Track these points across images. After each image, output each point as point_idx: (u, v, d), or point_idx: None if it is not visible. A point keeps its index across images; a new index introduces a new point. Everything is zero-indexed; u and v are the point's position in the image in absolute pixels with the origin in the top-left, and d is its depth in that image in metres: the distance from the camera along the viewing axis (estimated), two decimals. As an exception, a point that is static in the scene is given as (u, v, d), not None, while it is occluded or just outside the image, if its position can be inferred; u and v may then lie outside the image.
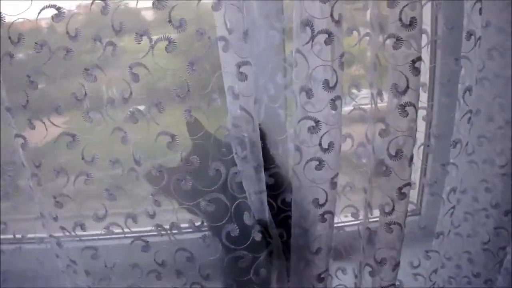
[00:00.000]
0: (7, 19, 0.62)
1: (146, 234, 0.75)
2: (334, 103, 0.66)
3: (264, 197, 0.73)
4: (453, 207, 0.80)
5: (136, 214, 0.72)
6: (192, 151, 0.68)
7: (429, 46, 0.75)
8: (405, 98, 0.65)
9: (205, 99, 0.66)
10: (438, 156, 0.83)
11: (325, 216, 0.71)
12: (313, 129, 0.67)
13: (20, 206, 0.78)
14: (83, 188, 0.71)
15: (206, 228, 0.74)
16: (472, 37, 0.71)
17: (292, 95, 0.69)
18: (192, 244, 0.73)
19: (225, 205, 0.70)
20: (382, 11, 0.66)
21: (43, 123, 0.67)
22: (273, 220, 0.76)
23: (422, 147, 0.81)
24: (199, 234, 0.73)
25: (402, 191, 0.69)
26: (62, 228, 0.74)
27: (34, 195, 0.72)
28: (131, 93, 0.64)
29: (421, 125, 0.78)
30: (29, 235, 0.80)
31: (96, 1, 0.61)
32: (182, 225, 0.73)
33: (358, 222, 0.80)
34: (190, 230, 0.74)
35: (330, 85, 0.65)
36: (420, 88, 0.67)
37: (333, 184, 0.70)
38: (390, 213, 0.71)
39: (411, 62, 0.63)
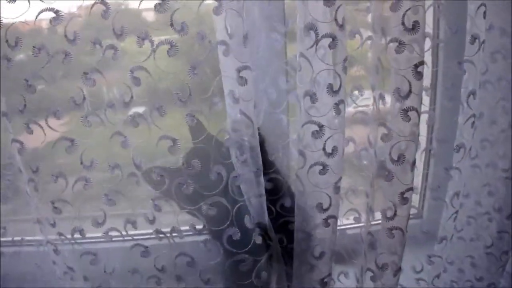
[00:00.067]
0: (5, 22, 0.61)
1: (146, 237, 0.75)
2: (338, 107, 0.66)
3: (264, 200, 0.73)
4: (456, 212, 0.80)
5: (135, 220, 0.72)
6: (194, 154, 0.68)
7: (432, 49, 0.74)
8: (408, 103, 0.65)
9: (207, 102, 0.66)
10: (441, 160, 0.82)
11: (329, 220, 0.71)
12: (317, 134, 0.67)
13: (19, 209, 0.77)
14: (82, 193, 0.70)
15: (207, 232, 0.73)
16: (477, 40, 0.70)
17: (295, 100, 0.69)
18: (193, 248, 0.73)
19: (227, 209, 0.69)
20: (384, 13, 0.65)
21: (41, 127, 0.66)
22: (272, 225, 0.76)
23: (424, 151, 0.80)
24: (200, 238, 0.73)
25: (404, 196, 0.69)
26: (60, 234, 0.73)
27: (31, 201, 0.72)
28: (132, 97, 0.64)
29: (423, 129, 0.78)
30: (28, 238, 0.79)
31: (97, 4, 0.60)
32: (183, 228, 0.72)
33: (360, 225, 0.79)
34: (191, 233, 0.73)
35: (334, 89, 0.64)
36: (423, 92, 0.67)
37: (337, 189, 0.70)
38: (392, 218, 0.70)
39: (413, 67, 0.63)
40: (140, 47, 0.60)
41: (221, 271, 0.73)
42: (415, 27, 0.62)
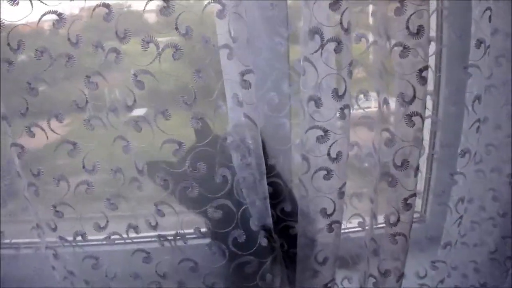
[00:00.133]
0: (7, 24, 0.60)
1: (148, 240, 0.74)
2: (343, 112, 0.65)
3: (268, 203, 0.73)
4: (461, 217, 0.79)
5: (137, 225, 0.71)
6: (199, 157, 0.68)
7: (436, 54, 0.74)
8: (412, 108, 0.64)
9: (211, 106, 0.66)
10: (445, 165, 0.82)
11: (333, 226, 0.70)
12: (321, 139, 0.66)
13: (17, 214, 0.76)
14: (84, 197, 0.69)
15: (212, 235, 0.73)
16: (482, 45, 0.70)
17: (299, 104, 0.68)
18: (197, 252, 0.72)
19: (232, 211, 0.69)
20: (389, 17, 0.64)
21: (43, 130, 0.66)
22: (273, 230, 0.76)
23: (426, 155, 0.80)
24: (205, 241, 0.72)
25: (408, 202, 0.68)
26: (61, 238, 0.72)
27: (30, 206, 0.71)
28: (135, 100, 0.64)
29: (426, 134, 0.77)
30: (27, 240, 0.79)
31: (99, 6, 0.59)
32: (187, 231, 0.72)
33: (364, 230, 0.79)
34: (195, 236, 0.73)
35: (339, 94, 0.64)
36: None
37: (341, 194, 0.69)
38: (395, 224, 0.70)
39: (418, 71, 0.62)
40: (145, 50, 0.60)
41: (225, 274, 0.73)
42: (419, 32, 0.61)
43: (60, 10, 0.60)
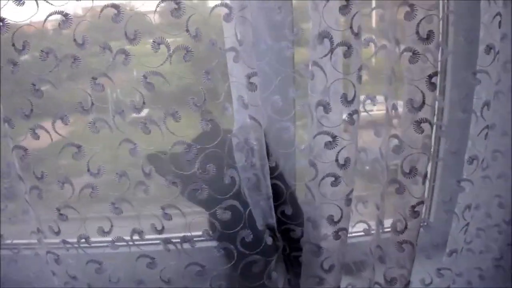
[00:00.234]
0: (12, 25, 0.59)
1: (152, 242, 0.73)
2: (352, 118, 0.64)
3: (271, 203, 0.73)
4: (467, 224, 0.78)
5: (142, 229, 0.70)
6: (208, 159, 0.68)
7: (442, 60, 0.73)
8: (421, 114, 0.64)
9: (219, 107, 0.66)
10: (451, 171, 0.81)
11: (339, 233, 0.70)
12: (330, 144, 0.65)
13: (18, 216, 0.75)
14: (88, 201, 0.68)
15: (220, 236, 0.72)
16: (492, 50, 0.69)
17: (306, 109, 0.68)
18: (204, 255, 0.72)
19: (239, 212, 0.69)
20: (399, 22, 0.64)
21: (48, 132, 0.65)
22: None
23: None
24: (213, 244, 0.72)
25: (415, 209, 0.68)
26: (65, 242, 0.71)
27: (31, 210, 0.70)
28: (143, 102, 0.63)
29: (430, 140, 0.77)
30: (26, 241, 0.78)
31: (108, 7, 0.59)
32: (194, 234, 0.71)
33: (370, 238, 0.78)
34: (203, 239, 0.72)
35: (348, 99, 0.63)
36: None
37: (348, 201, 0.69)
38: (402, 232, 0.69)
39: (427, 77, 0.62)
40: (156, 51, 0.60)
41: (233, 276, 0.73)
42: (429, 37, 0.61)
43: (66, 11, 0.59)
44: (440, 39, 0.74)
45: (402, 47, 0.63)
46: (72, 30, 0.60)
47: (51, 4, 0.59)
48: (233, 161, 0.69)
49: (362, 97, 0.71)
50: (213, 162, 0.67)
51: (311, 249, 0.72)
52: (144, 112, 0.64)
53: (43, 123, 0.65)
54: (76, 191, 0.68)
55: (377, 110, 0.73)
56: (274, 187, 0.74)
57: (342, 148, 0.65)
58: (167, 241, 0.70)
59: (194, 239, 0.71)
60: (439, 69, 0.63)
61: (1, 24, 0.59)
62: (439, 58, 0.65)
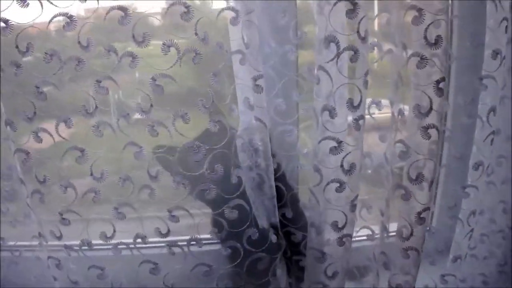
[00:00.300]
0: (16, 27, 0.58)
1: (156, 245, 0.72)
2: (358, 123, 0.64)
3: (275, 202, 0.73)
4: (472, 230, 0.78)
5: (146, 234, 0.70)
6: (217, 159, 0.68)
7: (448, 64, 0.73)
8: (428, 120, 0.63)
9: (225, 109, 0.67)
10: (456, 177, 0.81)
11: (344, 239, 0.69)
12: (335, 150, 0.65)
13: (19, 220, 0.75)
14: (91, 205, 0.67)
15: (226, 235, 0.72)
16: (498, 56, 0.69)
17: (311, 113, 0.67)
18: (211, 256, 0.72)
19: (246, 210, 0.70)
20: (406, 26, 0.63)
21: (51, 135, 0.64)
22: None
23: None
24: (218, 244, 0.72)
25: (421, 216, 0.67)
26: (67, 247, 0.70)
27: (32, 214, 0.69)
28: (151, 105, 0.63)
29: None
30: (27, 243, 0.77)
31: (114, 9, 0.58)
32: (202, 236, 0.71)
33: (373, 242, 0.77)
34: (210, 240, 0.72)
35: (354, 104, 0.63)
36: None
37: (353, 207, 0.68)
38: (407, 238, 0.69)
39: (435, 83, 0.61)
40: (165, 54, 0.60)
41: (239, 273, 0.73)
42: (437, 42, 0.60)
43: (71, 12, 0.58)
44: (452, 43, 0.75)
45: (410, 51, 0.63)
46: (76, 32, 0.59)
47: (56, 6, 0.58)
48: (239, 161, 0.69)
49: (367, 101, 0.70)
50: (220, 162, 0.67)
51: (315, 255, 0.72)
52: (152, 114, 0.63)
53: (46, 126, 0.64)
54: (78, 195, 0.67)
55: (382, 114, 0.72)
56: (275, 189, 0.74)
57: (347, 154, 0.65)
58: (172, 244, 0.70)
59: (203, 242, 0.71)
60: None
61: (4, 25, 0.58)
62: (446, 63, 0.64)
